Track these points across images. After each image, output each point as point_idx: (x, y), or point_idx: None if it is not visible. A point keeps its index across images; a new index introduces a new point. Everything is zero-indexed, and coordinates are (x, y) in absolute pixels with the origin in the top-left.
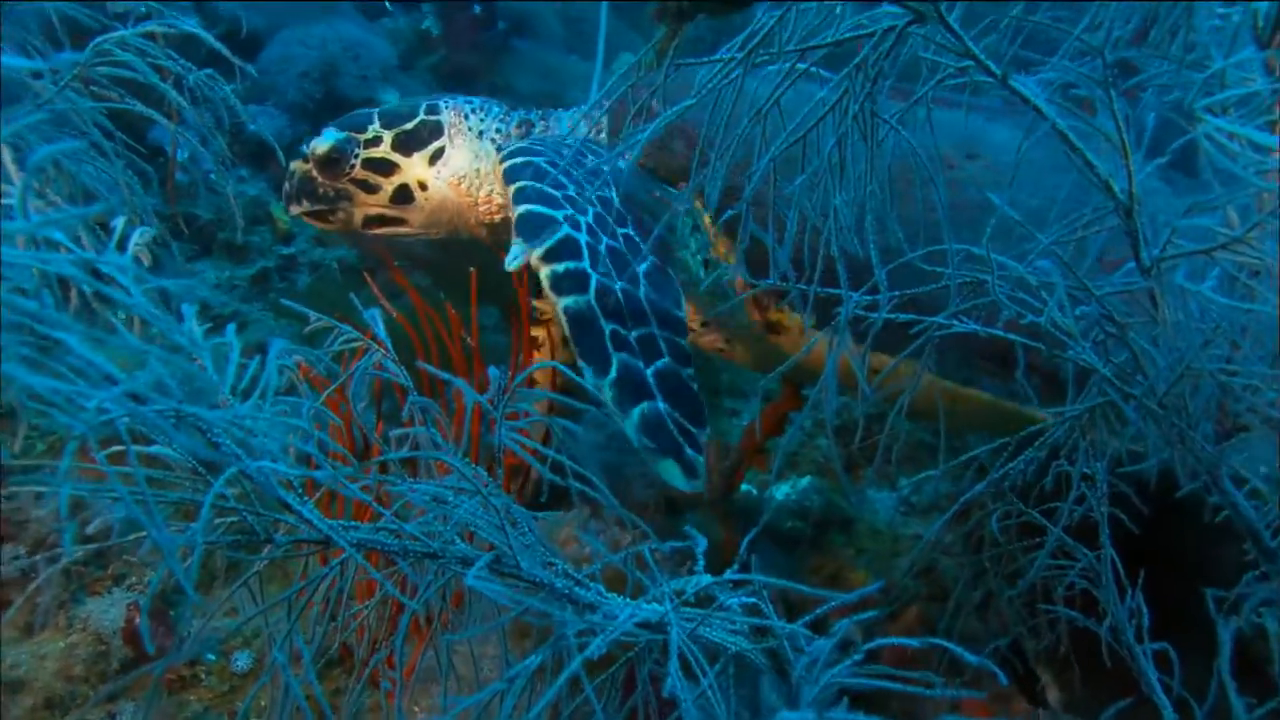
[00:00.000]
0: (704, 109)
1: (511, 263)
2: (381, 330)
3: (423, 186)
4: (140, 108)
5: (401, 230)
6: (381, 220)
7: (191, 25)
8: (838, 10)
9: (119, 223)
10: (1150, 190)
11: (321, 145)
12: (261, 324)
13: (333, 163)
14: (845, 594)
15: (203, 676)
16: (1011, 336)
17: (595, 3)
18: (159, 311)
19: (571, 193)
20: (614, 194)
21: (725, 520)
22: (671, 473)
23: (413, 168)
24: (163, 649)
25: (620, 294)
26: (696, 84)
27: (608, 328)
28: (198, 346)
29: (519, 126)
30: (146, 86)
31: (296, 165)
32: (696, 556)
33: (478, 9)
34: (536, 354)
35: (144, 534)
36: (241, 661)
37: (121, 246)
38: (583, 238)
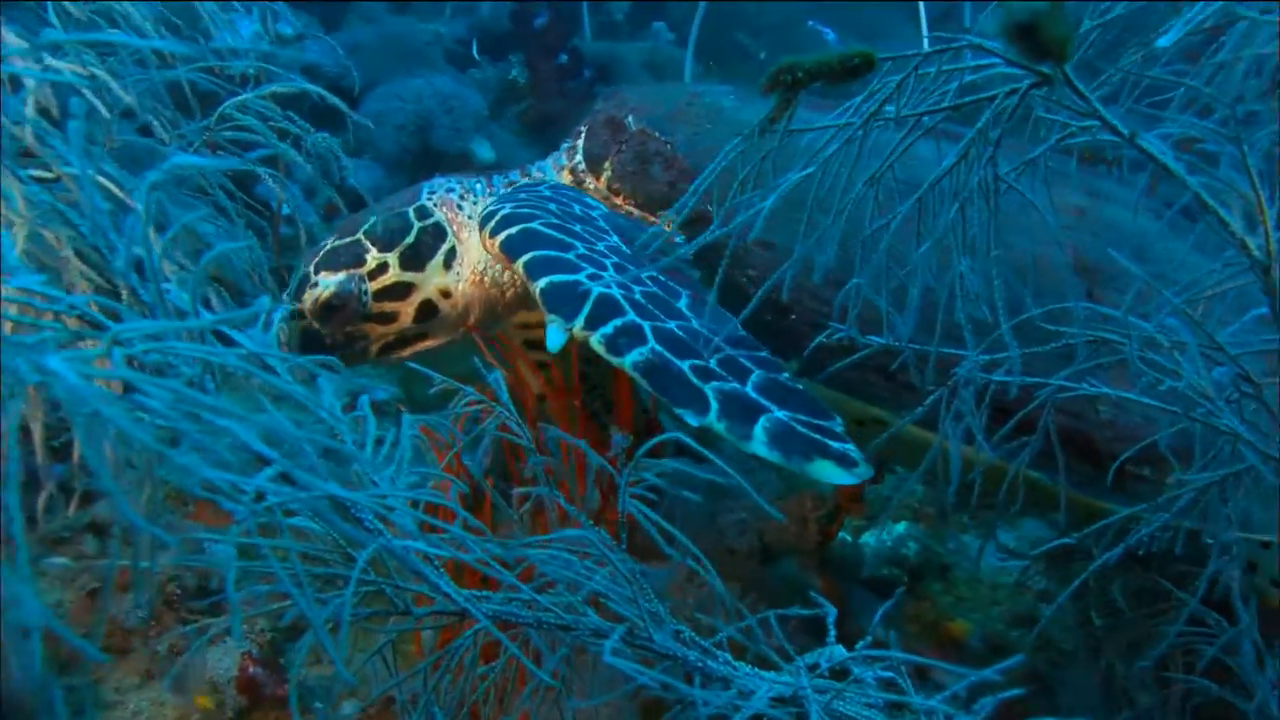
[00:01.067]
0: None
1: (554, 344)
2: (505, 394)
3: (446, 294)
4: (260, 170)
5: (422, 346)
6: (401, 342)
7: (305, 84)
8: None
9: (264, 303)
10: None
11: (323, 294)
12: (359, 369)
13: (336, 309)
14: (983, 669)
15: None
16: (1147, 400)
17: (680, 49)
18: (304, 389)
19: (582, 250)
20: (617, 239)
21: (821, 569)
22: (828, 472)
23: (430, 280)
24: (275, 698)
25: (679, 330)
26: (804, 146)
27: (684, 364)
28: (338, 420)
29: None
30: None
31: (286, 326)
32: (795, 610)
33: (564, 58)
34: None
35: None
36: (348, 710)
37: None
38: (616, 291)
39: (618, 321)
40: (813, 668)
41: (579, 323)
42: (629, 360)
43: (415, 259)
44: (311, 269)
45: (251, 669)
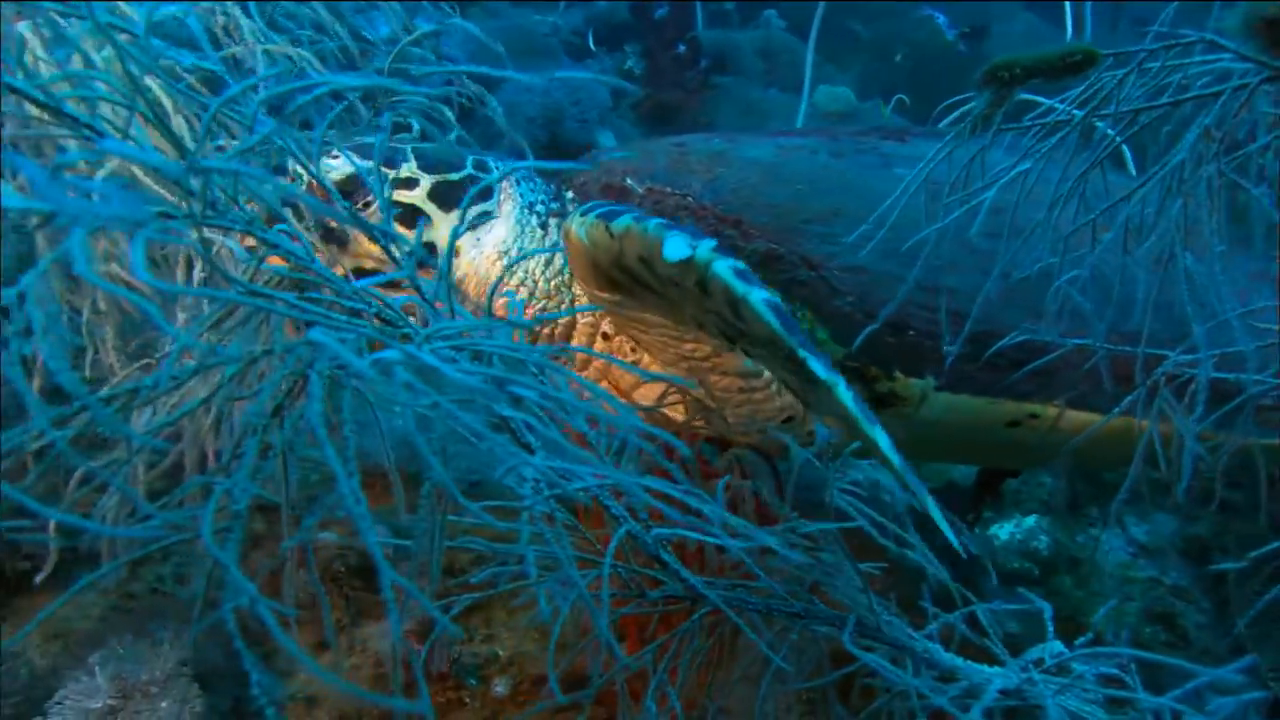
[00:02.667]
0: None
1: (673, 253)
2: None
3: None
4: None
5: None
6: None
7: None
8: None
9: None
10: None
11: (338, 174)
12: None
13: (342, 196)
14: (1217, 668)
15: (466, 700)
16: None
17: (793, 36)
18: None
19: None
20: None
21: (954, 560)
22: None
23: (445, 226)
24: (438, 674)
25: None
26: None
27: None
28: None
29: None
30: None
31: None
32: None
33: (682, 48)
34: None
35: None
36: (500, 688)
37: None
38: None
39: (739, 263)
40: (1036, 663)
41: (707, 245)
42: (759, 294)
43: (446, 198)
44: (336, 148)
45: (413, 645)
